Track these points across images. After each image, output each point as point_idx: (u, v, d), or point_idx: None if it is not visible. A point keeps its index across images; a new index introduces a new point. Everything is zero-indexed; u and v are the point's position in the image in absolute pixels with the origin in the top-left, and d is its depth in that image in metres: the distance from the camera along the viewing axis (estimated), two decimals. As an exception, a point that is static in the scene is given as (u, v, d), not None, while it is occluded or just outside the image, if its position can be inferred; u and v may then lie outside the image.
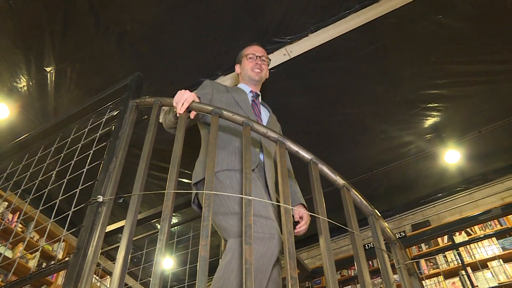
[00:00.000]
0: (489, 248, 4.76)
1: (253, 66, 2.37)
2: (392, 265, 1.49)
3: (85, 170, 1.70)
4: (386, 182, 5.32)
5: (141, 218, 2.83)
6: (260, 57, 2.41)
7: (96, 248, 1.34)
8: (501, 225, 4.90)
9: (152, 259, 1.26)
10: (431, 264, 5.15)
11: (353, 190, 1.54)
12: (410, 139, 4.75)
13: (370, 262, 5.55)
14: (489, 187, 5.46)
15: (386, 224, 1.56)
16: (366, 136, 4.65)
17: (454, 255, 4.91)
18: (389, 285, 1.33)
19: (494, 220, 4.99)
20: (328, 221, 1.31)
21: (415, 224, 5.70)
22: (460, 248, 4.90)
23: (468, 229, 5.04)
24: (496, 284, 4.38)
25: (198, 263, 1.15)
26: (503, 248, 4.69)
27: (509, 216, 4.93)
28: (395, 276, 3.71)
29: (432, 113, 4.45)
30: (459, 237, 5.03)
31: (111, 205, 1.46)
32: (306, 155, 1.51)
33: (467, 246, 4.84)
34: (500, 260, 4.61)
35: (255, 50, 2.45)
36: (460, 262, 4.75)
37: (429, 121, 4.56)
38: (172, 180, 1.37)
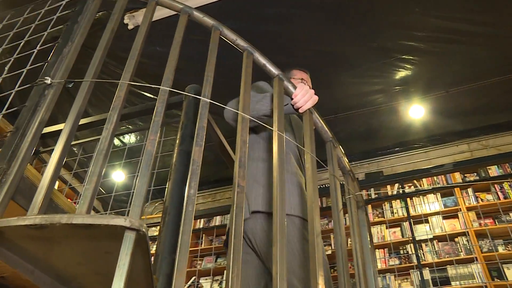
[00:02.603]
0: (432, 205, 4.98)
1: None
2: (344, 205, 1.48)
3: (35, 51, 1.57)
4: (348, 127, 5.33)
5: (96, 121, 2.71)
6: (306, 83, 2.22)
7: (36, 131, 1.25)
8: (447, 183, 5.10)
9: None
10: (377, 212, 5.34)
11: (316, 114, 1.50)
12: (379, 88, 4.75)
13: (321, 200, 5.67)
14: (444, 148, 5.61)
15: (343, 153, 1.55)
16: (336, 78, 4.60)
17: (402, 206, 5.10)
18: (337, 212, 1.33)
19: (442, 178, 5.18)
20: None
21: (369, 174, 5.83)
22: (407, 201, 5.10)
23: (417, 185, 5.22)
24: (431, 236, 4.62)
25: (143, 157, 1.09)
26: (445, 206, 4.91)
27: (456, 176, 5.14)
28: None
29: (406, 65, 4.43)
30: (408, 191, 5.21)
31: (59, 90, 1.36)
32: (273, 69, 1.45)
33: (413, 198, 5.02)
34: (440, 216, 4.84)
35: (305, 76, 2.32)
36: (405, 213, 4.96)
37: (401, 73, 4.54)
38: (129, 72, 1.29)
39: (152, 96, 4.73)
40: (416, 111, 4.99)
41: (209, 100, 1.23)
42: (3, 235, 0.97)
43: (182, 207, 1.91)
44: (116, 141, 5.35)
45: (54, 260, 1.13)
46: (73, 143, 3.24)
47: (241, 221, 1.01)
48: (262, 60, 1.44)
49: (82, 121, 2.90)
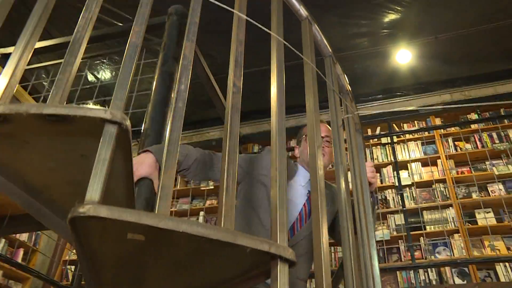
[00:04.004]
0: (412, 152, 4.99)
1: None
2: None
3: None
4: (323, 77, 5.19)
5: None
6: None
7: None
8: (429, 133, 5.09)
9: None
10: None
11: (315, 26, 1.36)
12: (366, 31, 4.59)
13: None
14: (427, 97, 5.56)
15: (342, 70, 1.43)
16: (319, 16, 4.39)
17: (382, 153, 5.10)
18: (337, 128, 1.22)
19: (423, 124, 5.18)
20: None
21: (349, 120, 5.77)
22: (387, 150, 5.10)
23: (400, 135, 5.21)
24: (409, 182, 4.66)
25: (125, 51, 0.95)
26: (425, 153, 4.93)
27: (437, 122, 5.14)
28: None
29: (396, 7, 4.27)
30: (387, 138, 5.19)
31: None
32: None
33: (394, 145, 5.01)
34: (419, 163, 4.86)
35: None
36: (385, 159, 4.96)
37: (391, 16, 4.39)
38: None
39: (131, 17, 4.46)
40: (403, 56, 4.88)
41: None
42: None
43: (163, 130, 1.79)
44: (90, 77, 5.11)
45: (22, 164, 0.99)
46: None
47: (237, 122, 0.89)
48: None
49: (45, 43, 2.69)
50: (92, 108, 0.82)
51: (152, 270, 0.94)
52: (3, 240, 4.29)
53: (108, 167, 0.75)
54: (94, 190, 0.72)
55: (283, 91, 1.02)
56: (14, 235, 4.32)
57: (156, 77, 1.96)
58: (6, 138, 0.89)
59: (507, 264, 3.93)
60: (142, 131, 1.76)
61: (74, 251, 4.85)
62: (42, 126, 0.84)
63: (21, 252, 4.43)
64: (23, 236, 4.54)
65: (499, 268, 3.95)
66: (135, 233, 0.78)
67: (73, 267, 4.86)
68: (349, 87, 1.45)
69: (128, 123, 0.82)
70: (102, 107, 0.81)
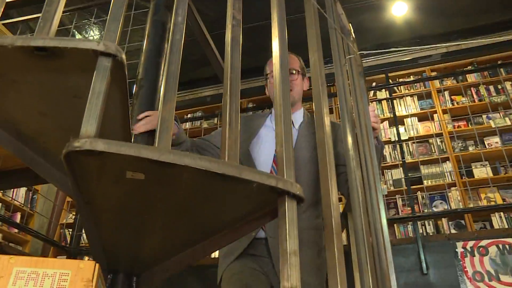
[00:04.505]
0: (409, 108, 4.95)
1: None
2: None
3: None
4: (323, 26, 5.06)
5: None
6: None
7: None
8: (425, 87, 5.04)
9: None
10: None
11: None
12: (362, -18, 4.46)
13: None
14: (423, 51, 5.46)
15: (342, 10, 1.36)
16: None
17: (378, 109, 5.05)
18: (340, 67, 1.17)
19: (420, 83, 5.11)
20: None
21: (345, 77, 5.69)
22: (384, 105, 5.05)
23: (395, 88, 5.14)
24: (406, 137, 4.63)
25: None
26: (421, 108, 4.89)
27: (434, 81, 5.08)
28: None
29: (393, -44, 4.13)
30: (384, 94, 5.14)
31: None
32: None
33: (391, 100, 4.95)
34: (416, 117, 4.84)
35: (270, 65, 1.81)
36: (381, 115, 4.92)
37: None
38: None
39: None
40: (399, 8, 4.75)
41: None
42: None
43: (157, 81, 1.73)
44: (78, 37, 4.96)
45: (11, 108, 0.94)
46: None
47: (238, 55, 0.84)
48: None
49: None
50: (84, 40, 0.77)
51: (152, 214, 0.91)
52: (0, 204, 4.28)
53: (103, 100, 0.70)
54: (89, 124, 0.68)
55: (286, 42, 0.96)
56: (10, 199, 4.30)
57: (148, 26, 1.89)
58: (-8, 77, 0.84)
59: (501, 214, 3.98)
60: (135, 82, 1.70)
61: (71, 214, 4.86)
62: (30, 62, 0.78)
63: (18, 216, 4.42)
64: (20, 198, 4.53)
65: (495, 219, 4.00)
66: (135, 171, 0.74)
67: (71, 230, 4.87)
68: (350, 27, 1.39)
69: (123, 55, 0.77)
70: (95, 40, 0.76)
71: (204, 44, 3.05)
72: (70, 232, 4.54)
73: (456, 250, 2.70)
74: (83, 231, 3.50)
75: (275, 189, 0.73)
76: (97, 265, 0.63)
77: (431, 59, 5.11)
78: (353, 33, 1.40)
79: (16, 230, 4.33)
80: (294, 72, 1.75)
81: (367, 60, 5.46)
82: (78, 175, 0.73)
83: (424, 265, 2.64)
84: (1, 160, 1.37)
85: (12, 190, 4.43)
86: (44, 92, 0.88)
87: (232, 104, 0.77)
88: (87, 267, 0.61)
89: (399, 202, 4.42)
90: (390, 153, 4.73)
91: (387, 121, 4.88)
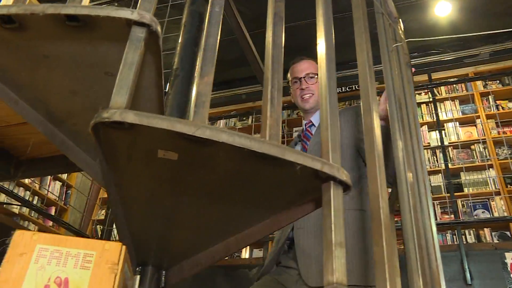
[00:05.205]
0: (449, 112, 4.76)
1: (299, 94, 1.77)
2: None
3: None
4: (372, 23, 4.91)
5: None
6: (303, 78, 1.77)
7: None
8: (467, 91, 4.82)
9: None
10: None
11: None
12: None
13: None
14: (466, 53, 5.24)
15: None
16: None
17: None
18: (388, 54, 1.09)
19: (462, 86, 4.90)
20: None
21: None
22: (423, 109, 4.87)
23: (436, 92, 4.94)
24: (446, 143, 4.44)
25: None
26: (463, 113, 4.69)
27: (477, 83, 4.87)
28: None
29: (437, -46, 3.98)
30: (425, 97, 4.96)
31: None
32: None
33: (430, 105, 4.76)
34: (457, 122, 4.63)
35: (296, 70, 1.81)
36: (421, 119, 4.74)
37: (430, -35, 4.10)
38: None
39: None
40: (442, 8, 4.56)
41: None
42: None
43: (193, 71, 1.68)
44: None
45: (42, 86, 0.90)
46: None
47: (281, 31, 0.77)
48: None
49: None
50: (117, 8, 0.72)
51: (184, 202, 0.85)
52: (36, 197, 4.35)
53: (135, 71, 0.65)
54: (120, 95, 0.62)
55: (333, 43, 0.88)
56: (46, 192, 4.37)
57: (184, 16, 1.85)
58: (24, 50, 0.80)
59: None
60: (171, 71, 1.66)
61: (103, 210, 4.91)
62: (62, 32, 0.74)
63: (52, 210, 4.49)
64: (55, 192, 4.61)
65: (542, 231, 3.78)
66: (167, 150, 0.68)
67: (102, 227, 4.93)
68: (397, 14, 1.30)
69: (158, 27, 0.71)
70: (128, 8, 0.70)
71: (241, 40, 3.00)
72: (101, 228, 4.58)
73: (506, 261, 2.52)
74: (114, 226, 3.51)
75: (320, 173, 0.66)
76: (124, 247, 0.57)
77: (478, 58, 4.88)
78: (401, 21, 1.31)
79: (50, 224, 4.40)
80: (316, 76, 1.74)
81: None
82: (106, 151, 0.67)
83: (468, 275, 2.48)
84: (30, 148, 1.35)
85: (48, 184, 4.51)
86: (75, 68, 0.83)
87: (274, 80, 0.70)
88: (113, 248, 0.56)
89: (438, 210, 4.24)
90: (429, 158, 4.55)
91: (426, 125, 4.70)
